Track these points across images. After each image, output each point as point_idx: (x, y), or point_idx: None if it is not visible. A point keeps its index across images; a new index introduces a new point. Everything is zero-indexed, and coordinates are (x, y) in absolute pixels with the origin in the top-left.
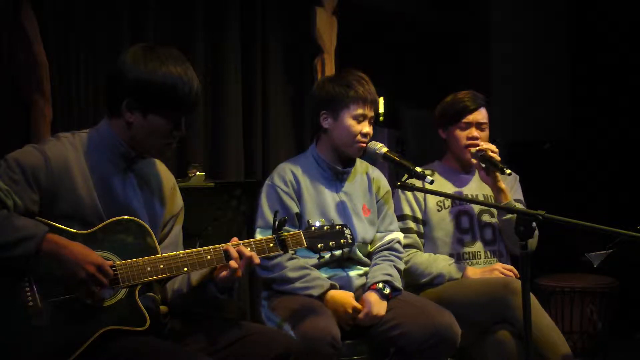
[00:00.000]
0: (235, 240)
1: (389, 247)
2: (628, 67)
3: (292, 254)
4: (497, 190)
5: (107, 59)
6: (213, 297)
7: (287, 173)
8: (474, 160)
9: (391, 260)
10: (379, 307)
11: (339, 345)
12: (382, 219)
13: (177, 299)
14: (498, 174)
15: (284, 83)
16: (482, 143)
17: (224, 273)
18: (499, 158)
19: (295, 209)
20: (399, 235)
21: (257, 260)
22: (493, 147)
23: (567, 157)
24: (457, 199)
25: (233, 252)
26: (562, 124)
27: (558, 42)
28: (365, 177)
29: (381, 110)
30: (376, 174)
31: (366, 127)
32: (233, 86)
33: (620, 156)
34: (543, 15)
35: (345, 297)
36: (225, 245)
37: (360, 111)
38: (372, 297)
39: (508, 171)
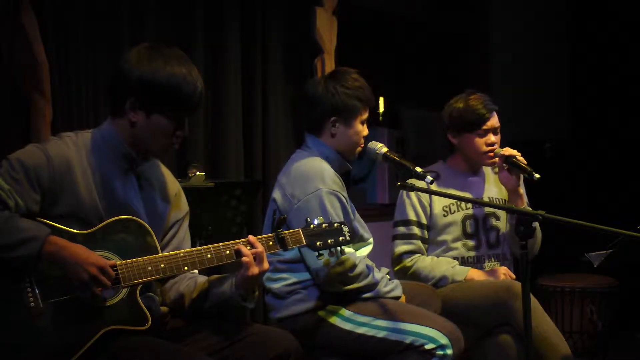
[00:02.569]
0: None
1: None
2: (628, 66)
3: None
4: (516, 195)
5: (107, 59)
6: (237, 306)
7: (336, 177)
8: (496, 159)
9: None
10: None
11: None
12: None
13: (197, 307)
14: (521, 178)
15: (284, 83)
16: (507, 149)
17: (239, 276)
18: (525, 162)
19: (351, 215)
20: None
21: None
22: (517, 152)
23: (567, 157)
24: (458, 199)
25: (244, 249)
26: (562, 124)
27: (558, 42)
28: None
29: (381, 110)
30: None
31: (366, 129)
32: (233, 86)
33: (620, 156)
34: (543, 15)
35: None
36: (234, 245)
37: (366, 115)
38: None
39: (537, 175)
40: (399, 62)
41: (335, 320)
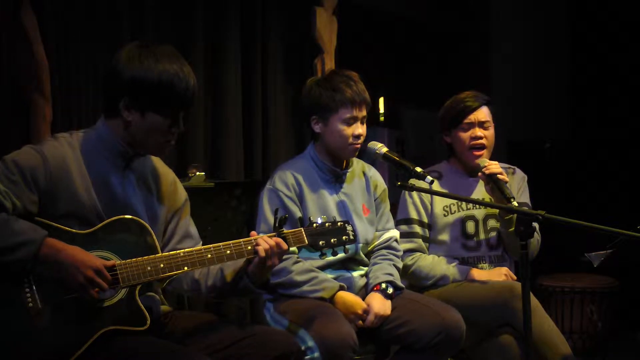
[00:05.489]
0: (254, 233)
1: (387, 246)
2: (628, 66)
3: (297, 258)
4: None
5: (107, 59)
6: (249, 292)
7: (289, 177)
8: (479, 173)
9: (390, 259)
10: (385, 307)
11: (358, 349)
12: (380, 217)
13: (212, 294)
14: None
15: (284, 83)
16: (489, 165)
17: (253, 266)
18: (507, 179)
19: (298, 213)
20: (396, 233)
21: (284, 245)
22: (499, 170)
23: (567, 157)
24: (459, 199)
25: (263, 243)
26: (562, 124)
27: (558, 42)
28: (363, 176)
29: (381, 110)
30: (372, 172)
31: (358, 129)
32: (233, 86)
33: (620, 156)
34: (543, 15)
35: (355, 298)
36: (247, 244)
37: (348, 115)
38: (377, 297)
39: (515, 203)
40: (399, 62)
41: (267, 317)
